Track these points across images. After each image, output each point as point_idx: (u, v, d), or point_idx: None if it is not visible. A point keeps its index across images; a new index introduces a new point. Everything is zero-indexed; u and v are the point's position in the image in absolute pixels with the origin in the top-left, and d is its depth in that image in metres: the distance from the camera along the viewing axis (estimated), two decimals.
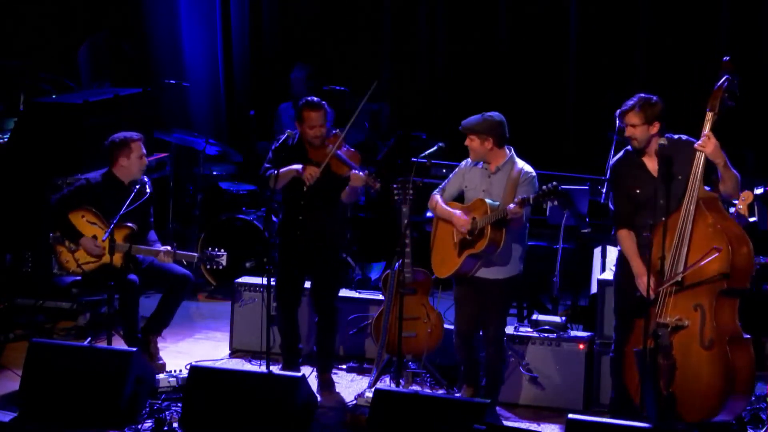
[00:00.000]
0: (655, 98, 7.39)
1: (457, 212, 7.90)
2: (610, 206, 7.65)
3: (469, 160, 8.04)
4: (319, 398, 8.24)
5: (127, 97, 10.77)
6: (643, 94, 7.41)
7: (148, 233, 8.94)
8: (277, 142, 8.47)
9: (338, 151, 8.32)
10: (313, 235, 8.42)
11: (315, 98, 8.46)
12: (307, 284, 8.70)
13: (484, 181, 7.94)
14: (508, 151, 7.97)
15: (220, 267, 8.84)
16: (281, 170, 8.26)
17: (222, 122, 12.41)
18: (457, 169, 8.11)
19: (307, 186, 8.26)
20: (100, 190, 8.82)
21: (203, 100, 12.40)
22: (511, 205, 7.63)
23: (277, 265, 8.49)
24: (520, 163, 7.93)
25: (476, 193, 7.93)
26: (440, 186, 8.16)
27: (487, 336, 8.05)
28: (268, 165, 8.44)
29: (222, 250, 8.80)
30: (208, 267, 8.95)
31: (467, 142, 7.93)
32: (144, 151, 8.93)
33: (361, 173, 8.20)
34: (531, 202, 7.55)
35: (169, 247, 8.81)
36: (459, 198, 8.07)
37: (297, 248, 8.46)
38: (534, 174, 7.89)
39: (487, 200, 7.79)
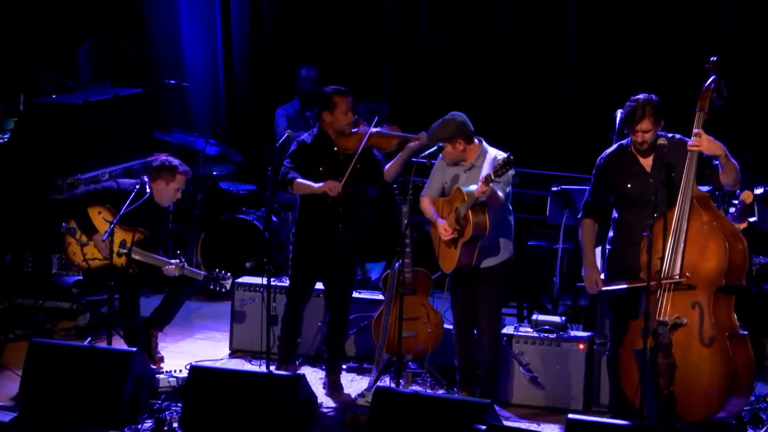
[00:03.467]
0: (654, 97, 7.40)
1: (439, 220, 7.96)
2: (586, 196, 7.68)
3: None
4: (325, 399, 8.26)
5: (127, 97, 10.77)
6: (641, 96, 7.38)
7: (157, 249, 8.94)
8: (294, 146, 8.42)
9: (376, 128, 8.30)
10: (339, 240, 8.39)
11: (342, 87, 8.41)
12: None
13: (461, 177, 8.00)
14: (478, 143, 7.99)
15: (224, 290, 8.86)
16: (299, 181, 8.23)
17: (222, 122, 12.40)
18: (435, 165, 8.14)
19: (330, 198, 8.23)
20: (125, 199, 8.74)
21: (203, 100, 12.40)
22: (478, 185, 7.65)
23: (291, 264, 8.52)
24: (492, 152, 7.97)
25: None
26: (425, 186, 8.18)
27: (481, 328, 8.05)
28: (290, 166, 8.33)
29: (228, 273, 8.83)
30: (212, 287, 8.92)
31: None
32: (183, 187, 8.98)
33: (423, 133, 8.16)
34: (493, 177, 7.57)
35: (177, 261, 8.80)
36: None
37: (320, 252, 8.43)
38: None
39: (463, 188, 7.84)
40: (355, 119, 8.39)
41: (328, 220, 8.35)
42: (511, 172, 7.83)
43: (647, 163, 7.46)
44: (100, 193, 8.95)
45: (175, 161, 8.98)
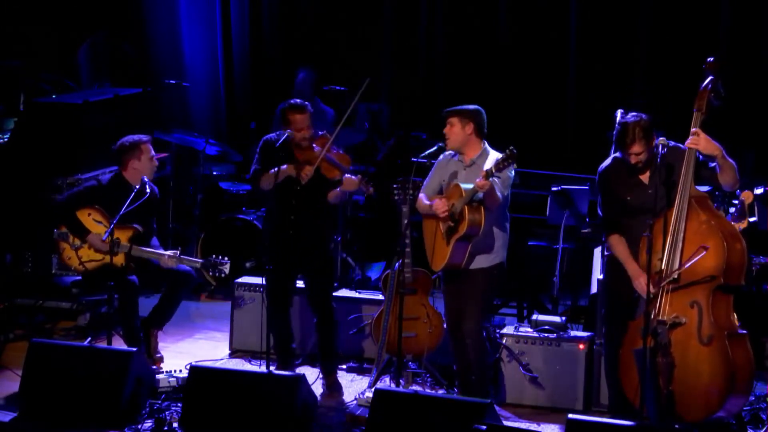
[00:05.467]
0: (644, 116, 7.36)
1: (435, 200, 7.92)
2: (599, 212, 7.66)
3: (446, 153, 8.08)
4: (325, 399, 8.27)
5: (127, 97, 10.78)
6: (630, 118, 7.31)
7: (151, 239, 8.94)
8: (261, 143, 8.49)
9: (328, 155, 8.32)
10: (305, 235, 8.42)
11: (298, 100, 8.49)
12: (299, 284, 8.72)
13: (460, 174, 7.97)
14: (483, 144, 7.99)
15: (223, 275, 8.85)
16: (272, 171, 8.28)
17: (222, 122, 12.41)
18: (435, 164, 8.14)
19: (301, 185, 8.26)
20: (109, 192, 8.79)
21: (203, 100, 12.41)
22: (478, 179, 7.65)
23: (268, 266, 8.50)
24: (494, 154, 7.95)
25: None
26: (423, 185, 8.17)
27: (464, 328, 8.00)
28: (258, 167, 8.45)
29: (226, 258, 8.80)
30: (211, 274, 8.94)
31: (446, 129, 7.97)
32: (153, 152, 8.94)
33: (354, 177, 8.21)
34: (494, 171, 7.54)
35: (173, 252, 8.80)
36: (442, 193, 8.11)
37: (288, 249, 8.44)
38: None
39: (461, 184, 7.81)
40: (321, 135, 8.40)
41: (285, 225, 8.40)
42: (512, 173, 7.82)
43: (645, 175, 7.45)
44: (84, 194, 8.92)
45: (128, 138, 8.89)
